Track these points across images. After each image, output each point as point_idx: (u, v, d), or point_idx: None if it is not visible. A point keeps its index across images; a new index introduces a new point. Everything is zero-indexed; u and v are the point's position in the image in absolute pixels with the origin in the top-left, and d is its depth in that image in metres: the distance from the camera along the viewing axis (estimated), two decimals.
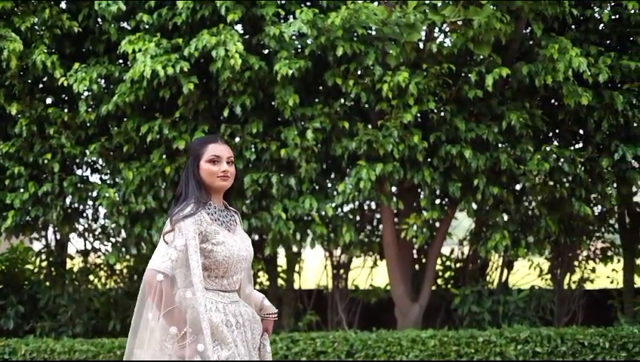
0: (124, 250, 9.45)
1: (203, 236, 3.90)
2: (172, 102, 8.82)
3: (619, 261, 10.31)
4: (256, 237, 9.63)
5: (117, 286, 10.10)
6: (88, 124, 9.04)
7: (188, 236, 3.83)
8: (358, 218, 9.78)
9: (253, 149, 8.74)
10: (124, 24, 9.17)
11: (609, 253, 10.23)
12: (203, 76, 8.78)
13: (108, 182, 9.46)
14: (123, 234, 9.39)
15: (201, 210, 3.92)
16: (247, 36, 9.09)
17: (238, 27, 9.15)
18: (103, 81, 9.03)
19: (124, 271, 10.11)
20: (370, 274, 10.56)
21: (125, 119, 8.99)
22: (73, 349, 8.55)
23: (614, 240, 10.40)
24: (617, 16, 8.89)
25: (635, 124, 8.66)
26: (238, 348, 3.93)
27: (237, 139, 8.78)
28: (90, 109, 8.92)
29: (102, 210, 9.50)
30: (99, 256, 10.09)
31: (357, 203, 9.40)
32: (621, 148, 8.58)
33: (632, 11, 8.55)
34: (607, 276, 10.51)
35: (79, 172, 9.54)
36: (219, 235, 3.95)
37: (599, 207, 9.65)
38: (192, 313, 3.81)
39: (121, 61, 9.23)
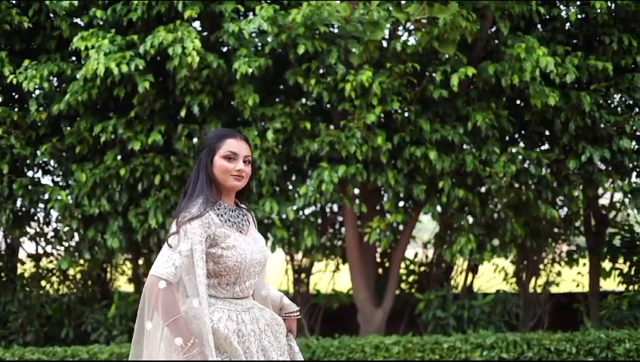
0: (77, 254, 9.20)
1: (212, 240, 3.62)
2: (127, 102, 8.58)
3: (585, 264, 10.24)
4: None
5: (70, 292, 9.84)
6: (39, 124, 8.75)
7: (194, 240, 3.54)
8: (319, 221, 9.59)
9: None
10: (77, 20, 8.88)
11: (575, 256, 10.16)
12: (159, 74, 8.56)
13: (60, 184, 9.21)
14: (76, 238, 9.13)
15: (209, 211, 3.63)
16: (205, 33, 8.88)
17: (197, 24, 8.96)
18: (54, 78, 8.78)
19: (78, 276, 9.88)
20: (332, 278, 10.46)
21: (78, 119, 8.73)
22: (24, 358, 8.28)
23: (580, 243, 10.32)
24: (584, 16, 8.79)
25: (602, 125, 8.58)
26: (253, 358, 3.65)
27: (195, 140, 8.58)
28: (41, 108, 8.63)
29: (54, 213, 9.24)
30: (51, 261, 9.85)
31: (319, 206, 9.21)
32: (588, 150, 8.48)
33: (599, 10, 8.44)
34: (572, 279, 10.44)
35: (30, 173, 9.25)
36: (229, 238, 3.66)
37: (565, 209, 9.57)
38: (198, 324, 3.54)
39: (74, 58, 8.95)
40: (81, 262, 9.53)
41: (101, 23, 8.56)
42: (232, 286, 3.70)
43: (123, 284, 10.42)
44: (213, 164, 3.72)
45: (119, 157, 8.67)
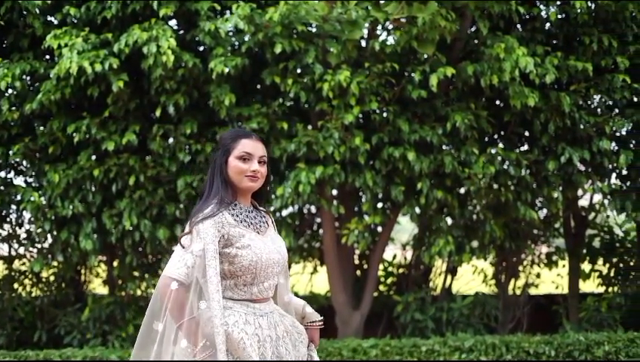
0: (50, 256, 9.03)
1: (226, 240, 3.56)
2: (101, 101, 8.43)
3: (564, 266, 10.19)
4: None
5: (43, 294, 9.67)
6: (11, 124, 8.58)
7: (206, 240, 3.49)
8: (297, 223, 9.50)
9: (187, 151, 8.44)
10: (51, 18, 8.73)
11: (554, 258, 10.13)
12: (134, 73, 8.40)
13: (33, 185, 9.04)
14: (49, 239, 9.00)
15: (223, 211, 3.59)
16: (181, 32, 8.76)
17: (173, 22, 8.83)
18: (27, 77, 8.62)
19: (51, 278, 9.70)
20: (310, 280, 10.36)
21: (51, 118, 8.56)
22: None
23: (559, 244, 10.28)
24: (564, 16, 8.75)
25: (581, 126, 8.52)
26: None
27: (170, 140, 8.46)
28: (13, 108, 8.47)
29: (26, 215, 9.11)
30: (23, 263, 9.66)
31: (296, 207, 9.13)
32: (567, 151, 8.43)
33: (579, 10, 8.40)
34: (552, 281, 10.40)
35: (2, 174, 9.10)
36: (244, 238, 3.60)
37: (544, 210, 9.53)
38: (210, 326, 3.46)
39: (47, 57, 8.79)
40: (55, 264, 9.36)
41: (75, 21, 8.42)
42: (250, 287, 3.62)
43: (97, 287, 10.26)
44: (227, 165, 3.68)
45: (93, 157, 8.53)
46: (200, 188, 8.38)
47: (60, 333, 9.25)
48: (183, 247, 3.55)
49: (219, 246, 3.52)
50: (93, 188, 8.54)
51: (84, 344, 8.98)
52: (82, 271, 9.95)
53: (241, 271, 3.57)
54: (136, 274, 9.10)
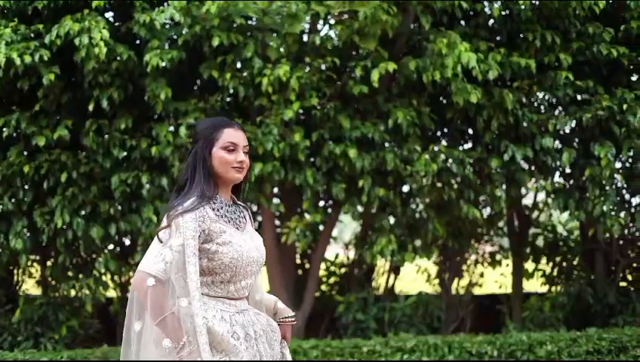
0: None
1: (206, 235, 3.42)
2: (31, 94, 8.22)
3: (507, 265, 10.15)
4: (127, 242, 9.08)
5: None
6: None
7: (186, 235, 3.35)
8: None
9: (121, 146, 8.23)
10: None
11: (498, 257, 10.09)
12: (66, 66, 8.18)
13: None
14: None
15: (205, 205, 3.44)
16: (116, 24, 8.53)
17: (110, 15, 8.61)
18: None
19: None
20: None
21: None
22: None
23: (503, 243, 10.23)
24: (508, 12, 8.70)
25: (525, 124, 8.46)
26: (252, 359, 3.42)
27: (105, 136, 8.20)
28: None
29: None
30: None
31: None
32: (511, 149, 8.40)
33: (523, 7, 8.37)
34: (495, 281, 10.33)
35: None
36: (225, 234, 3.46)
37: (488, 209, 9.47)
38: (191, 322, 3.29)
39: None
40: None
41: (5, 11, 8.19)
42: (227, 285, 3.48)
43: (31, 287, 9.95)
44: (211, 156, 3.51)
45: (24, 153, 8.31)
46: (136, 186, 8.19)
47: None
48: (161, 241, 3.42)
49: (199, 241, 3.39)
50: (24, 186, 8.32)
51: (15, 346, 8.70)
52: (15, 272, 9.63)
53: (220, 269, 3.44)
54: (70, 274, 8.83)
